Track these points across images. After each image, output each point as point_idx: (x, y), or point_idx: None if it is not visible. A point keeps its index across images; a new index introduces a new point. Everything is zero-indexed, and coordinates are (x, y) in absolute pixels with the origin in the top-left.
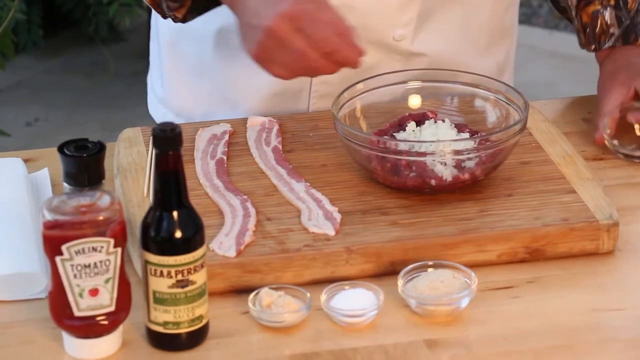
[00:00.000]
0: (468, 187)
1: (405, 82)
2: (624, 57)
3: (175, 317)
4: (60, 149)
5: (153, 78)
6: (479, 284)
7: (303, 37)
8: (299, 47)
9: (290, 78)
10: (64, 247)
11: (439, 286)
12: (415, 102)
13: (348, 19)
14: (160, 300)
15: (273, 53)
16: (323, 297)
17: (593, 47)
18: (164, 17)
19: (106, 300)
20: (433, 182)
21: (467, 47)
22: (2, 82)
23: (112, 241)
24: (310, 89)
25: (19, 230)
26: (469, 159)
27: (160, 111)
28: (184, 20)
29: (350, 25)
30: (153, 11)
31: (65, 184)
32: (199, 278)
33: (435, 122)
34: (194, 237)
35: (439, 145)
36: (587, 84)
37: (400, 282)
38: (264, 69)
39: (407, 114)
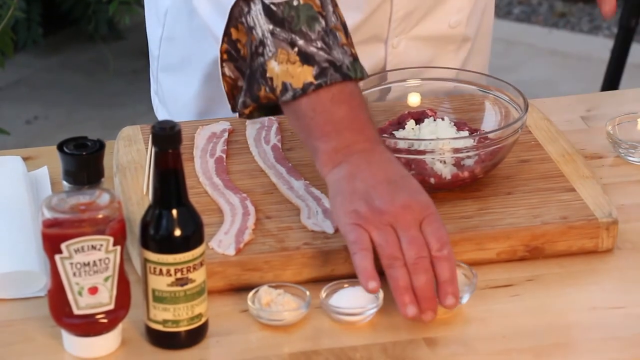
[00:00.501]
0: (467, 186)
1: (404, 80)
2: None
3: (174, 316)
4: (60, 147)
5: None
6: (478, 282)
7: (420, 232)
8: (414, 234)
9: (362, 249)
10: (63, 246)
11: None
12: (414, 100)
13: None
14: (160, 298)
15: (381, 223)
16: (322, 295)
17: None
18: (233, 110)
19: (105, 299)
20: (432, 180)
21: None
22: (1, 81)
23: (111, 239)
24: None
25: (18, 229)
26: (469, 157)
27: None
28: (249, 116)
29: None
30: (151, 38)
31: (64, 182)
32: (198, 276)
33: (435, 120)
34: (194, 236)
35: (438, 143)
36: (586, 82)
37: None
38: (349, 230)
39: (406, 112)
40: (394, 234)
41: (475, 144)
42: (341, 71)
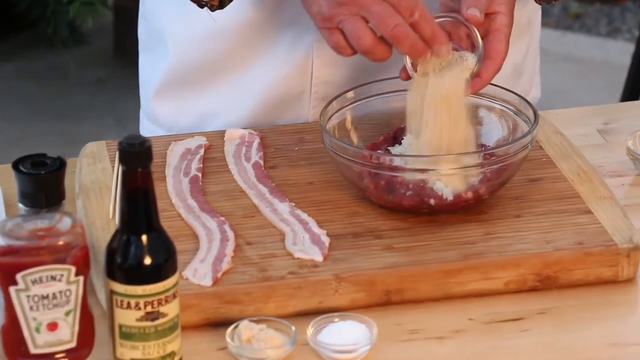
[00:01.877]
0: (471, 207)
1: (402, 90)
2: None
3: (144, 354)
4: (15, 166)
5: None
6: (484, 315)
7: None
8: (378, 9)
9: (349, 54)
10: (19, 276)
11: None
12: None
13: None
14: (128, 335)
15: (345, 16)
16: (310, 330)
17: None
18: (201, 6)
19: (66, 336)
20: (432, 201)
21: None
22: None
23: (73, 269)
24: (311, 90)
25: None
26: (472, 175)
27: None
28: (221, 6)
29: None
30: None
31: (20, 205)
32: (171, 310)
33: None
34: (166, 264)
35: (439, 160)
36: (604, 91)
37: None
38: (326, 37)
39: (403, 126)
40: (361, 20)
41: (480, 161)
42: None
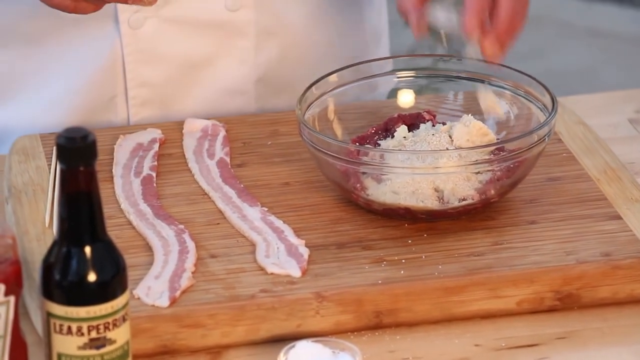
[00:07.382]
0: (478, 212)
1: (392, 72)
2: None
3: None
4: None
5: None
6: (493, 341)
7: None
8: None
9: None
10: None
11: None
12: (406, 99)
13: None
14: None
15: None
16: (282, 358)
17: None
18: None
19: None
20: (431, 205)
21: (327, 14)
22: None
23: (2, 287)
24: (127, 95)
25: None
26: (479, 174)
27: None
28: None
29: None
30: None
31: None
32: (120, 336)
33: (434, 125)
34: (113, 281)
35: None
36: (637, 72)
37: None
38: None
39: (396, 115)
40: None
41: (487, 157)
42: None
